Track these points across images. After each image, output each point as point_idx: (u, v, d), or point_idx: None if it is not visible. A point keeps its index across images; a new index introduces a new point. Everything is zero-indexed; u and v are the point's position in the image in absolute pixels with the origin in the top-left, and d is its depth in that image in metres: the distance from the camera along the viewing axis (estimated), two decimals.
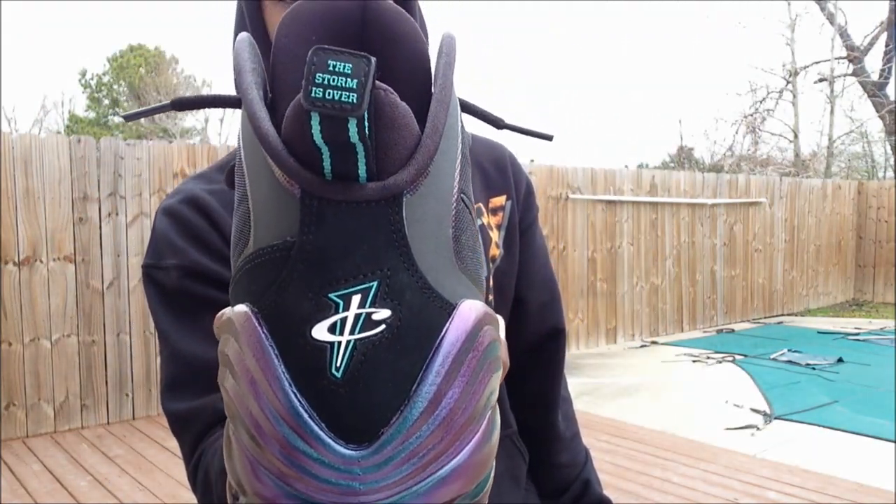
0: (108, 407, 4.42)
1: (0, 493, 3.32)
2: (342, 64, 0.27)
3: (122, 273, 4.45)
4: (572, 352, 6.40)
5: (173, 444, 3.64)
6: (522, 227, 0.89)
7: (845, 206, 9.55)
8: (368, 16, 0.32)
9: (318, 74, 0.26)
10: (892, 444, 3.85)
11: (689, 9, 35.42)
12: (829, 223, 9.32)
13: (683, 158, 17.68)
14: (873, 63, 14.53)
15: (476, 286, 0.34)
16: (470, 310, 0.31)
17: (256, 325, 0.29)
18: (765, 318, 8.43)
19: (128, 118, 0.43)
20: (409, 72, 0.32)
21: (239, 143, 0.33)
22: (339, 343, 0.28)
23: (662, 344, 6.85)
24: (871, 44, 14.31)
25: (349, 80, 0.26)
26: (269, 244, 0.30)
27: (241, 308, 0.30)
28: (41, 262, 4.18)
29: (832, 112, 14.69)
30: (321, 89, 0.26)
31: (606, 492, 0.96)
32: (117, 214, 4.43)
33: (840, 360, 5.88)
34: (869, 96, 14.27)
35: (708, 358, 6.12)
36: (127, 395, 4.48)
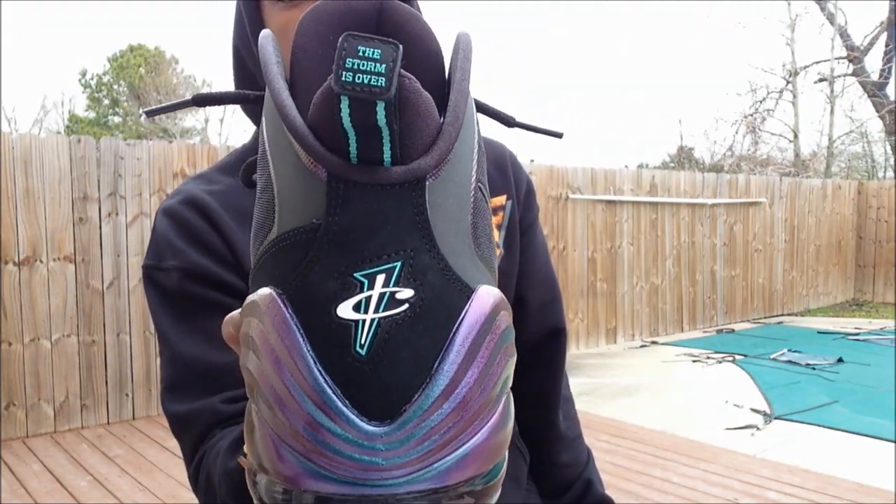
0: (108, 407, 4.42)
1: (0, 493, 3.32)
2: (371, 49, 0.28)
3: (122, 273, 4.45)
4: (572, 352, 6.40)
5: (173, 444, 3.64)
6: (523, 226, 0.89)
7: (845, 206, 9.55)
8: (384, 16, 0.33)
9: (348, 59, 0.27)
10: (892, 444, 3.85)
11: (689, 9, 35.43)
12: (829, 223, 9.32)
13: (683, 158, 17.68)
14: (873, 63, 14.54)
15: (490, 274, 0.34)
16: (488, 294, 0.31)
17: (281, 304, 0.30)
18: (765, 318, 8.43)
19: (150, 114, 0.44)
20: (424, 71, 0.33)
21: (262, 135, 0.34)
22: (364, 321, 0.29)
23: (662, 344, 6.85)
24: (871, 44, 14.31)
25: (378, 64, 0.27)
26: (295, 227, 0.30)
27: (265, 290, 0.31)
28: (41, 262, 4.18)
29: (832, 112, 14.70)
30: (351, 73, 0.27)
31: (606, 492, 0.96)
32: (117, 214, 4.43)
33: (840, 360, 5.88)
34: (869, 96, 14.28)
35: (708, 358, 6.13)
36: (127, 395, 4.48)
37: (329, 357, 0.29)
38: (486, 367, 0.30)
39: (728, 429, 4.22)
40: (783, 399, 4.77)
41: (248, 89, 0.80)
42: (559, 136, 0.49)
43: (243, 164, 0.41)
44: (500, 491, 0.34)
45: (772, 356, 6.11)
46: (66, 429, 4.25)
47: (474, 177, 0.33)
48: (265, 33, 0.34)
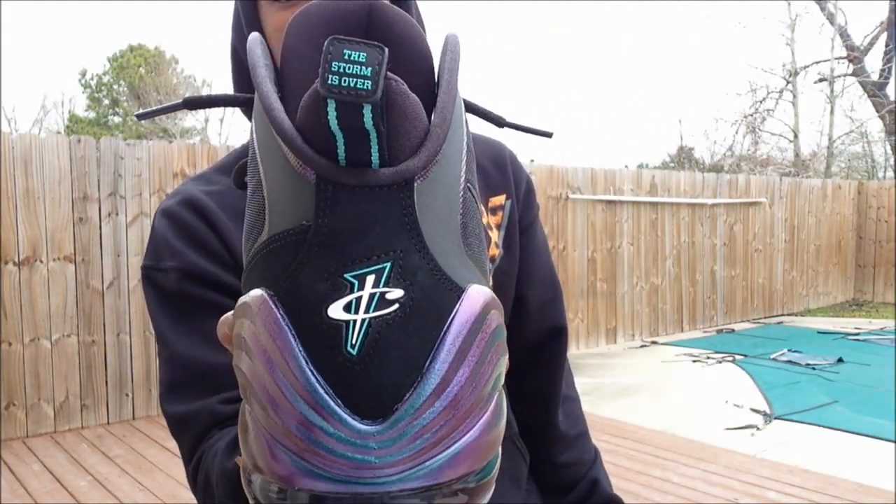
0: (108, 407, 4.42)
1: (0, 493, 3.32)
2: (357, 53, 0.28)
3: (122, 273, 4.45)
4: (572, 352, 6.40)
5: (173, 444, 3.63)
6: (522, 225, 0.89)
7: (845, 206, 9.55)
8: (373, 17, 0.33)
9: (334, 63, 0.28)
10: (892, 444, 3.85)
11: (689, 9, 35.43)
12: (829, 223, 9.33)
13: (683, 158, 17.68)
14: (873, 63, 14.55)
15: (481, 273, 0.35)
16: (478, 293, 0.31)
17: (273, 306, 0.30)
18: (765, 318, 8.43)
19: (141, 117, 0.44)
20: (413, 72, 0.33)
21: (252, 138, 0.34)
22: (355, 321, 0.29)
23: (662, 344, 6.85)
24: (871, 44, 14.31)
25: (364, 67, 0.28)
26: (285, 229, 0.31)
27: (257, 291, 0.31)
28: (41, 262, 4.18)
29: (832, 112, 14.70)
30: (337, 77, 0.27)
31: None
32: (117, 214, 4.43)
33: (840, 360, 5.88)
34: (869, 96, 14.28)
35: (708, 358, 6.12)
36: (127, 395, 4.48)
37: (321, 357, 0.29)
38: (478, 365, 0.31)
39: (728, 429, 4.22)
40: (783, 399, 4.77)
41: (247, 90, 0.80)
42: (549, 135, 0.49)
43: (236, 167, 0.41)
44: (493, 488, 0.34)
45: (772, 356, 6.11)
46: (66, 429, 4.25)
47: (463, 177, 0.33)
48: (254, 36, 0.34)
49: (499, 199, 0.86)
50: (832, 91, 14.72)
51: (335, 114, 0.28)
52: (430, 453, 0.30)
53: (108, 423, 4.39)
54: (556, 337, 0.92)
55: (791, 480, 3.41)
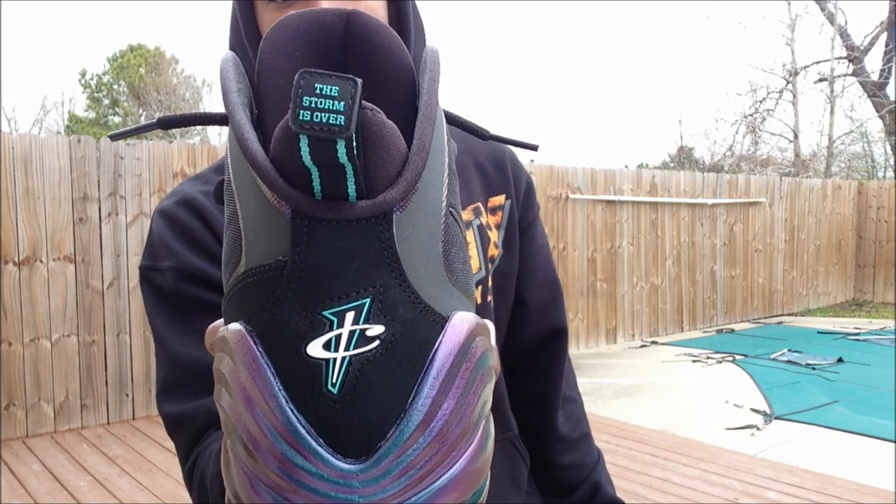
0: (108, 407, 4.42)
1: (0, 493, 3.32)
2: (329, 87, 0.27)
3: (122, 273, 4.45)
4: (572, 352, 6.40)
5: (173, 444, 3.64)
6: (522, 225, 0.88)
7: (845, 206, 9.55)
8: (351, 29, 0.33)
9: (305, 98, 0.27)
10: (892, 444, 3.85)
11: (689, 9, 35.42)
12: (829, 223, 9.32)
13: (683, 158, 17.68)
14: (873, 63, 14.55)
15: (467, 298, 0.34)
16: (462, 321, 0.31)
17: (251, 342, 0.29)
18: (765, 318, 8.43)
19: (114, 138, 0.43)
20: (393, 84, 0.32)
21: (227, 163, 0.33)
22: (335, 360, 0.28)
23: (662, 344, 6.85)
24: (871, 44, 14.31)
25: (336, 102, 0.27)
26: (261, 263, 0.30)
27: (236, 326, 0.30)
28: (41, 262, 4.18)
29: (832, 112, 14.69)
30: (309, 112, 0.27)
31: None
32: (117, 214, 4.43)
33: (840, 360, 5.88)
34: (869, 96, 14.28)
35: (708, 358, 6.12)
36: (127, 395, 4.48)
37: (301, 396, 0.29)
38: (463, 396, 0.30)
39: (728, 429, 4.22)
40: (783, 399, 4.77)
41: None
42: (534, 148, 0.49)
43: (216, 183, 0.40)
44: None
45: (772, 356, 6.11)
46: (66, 429, 4.25)
47: (445, 202, 0.32)
48: (226, 56, 0.34)
49: (498, 200, 0.86)
50: (832, 91, 14.72)
51: (308, 150, 0.27)
52: (416, 489, 0.30)
53: (108, 423, 4.39)
54: (557, 338, 0.92)
55: (791, 480, 3.41)
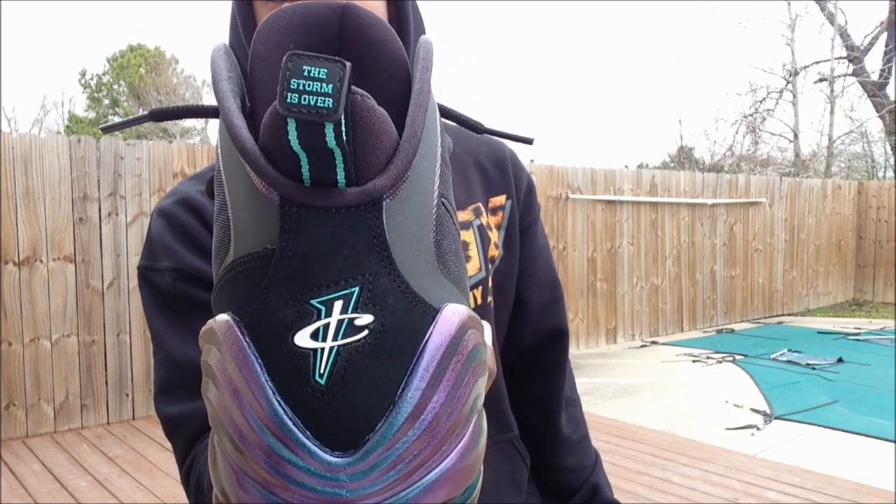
0: (108, 407, 4.42)
1: (0, 493, 3.32)
2: (317, 69, 0.27)
3: (122, 273, 4.45)
4: (572, 352, 6.39)
5: None
6: (523, 226, 0.88)
7: (845, 206, 9.55)
8: (345, 21, 0.32)
9: (293, 80, 0.26)
10: (892, 444, 3.85)
11: (689, 9, 35.42)
12: (829, 223, 9.32)
13: (683, 158, 17.68)
14: (873, 63, 14.55)
15: (460, 291, 0.33)
16: (453, 314, 0.31)
17: (238, 333, 0.29)
18: (765, 318, 8.43)
19: (106, 130, 0.43)
20: (388, 76, 0.32)
21: (217, 153, 0.33)
22: (322, 350, 0.28)
23: (662, 344, 6.85)
24: (871, 44, 14.31)
25: (324, 84, 0.26)
26: (249, 252, 0.29)
27: (223, 317, 0.30)
28: (41, 262, 4.18)
29: (832, 112, 14.69)
30: (297, 95, 0.26)
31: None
32: (117, 214, 4.43)
33: (840, 360, 5.88)
34: (869, 96, 14.28)
35: (708, 358, 6.12)
36: (127, 395, 4.48)
37: (288, 387, 0.28)
38: (454, 388, 0.30)
39: (728, 429, 4.22)
40: (783, 399, 4.77)
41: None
42: (529, 141, 0.48)
43: (208, 179, 0.40)
44: None
45: (772, 356, 6.11)
46: (66, 429, 4.25)
47: (436, 192, 0.32)
48: (217, 46, 0.33)
49: (499, 200, 0.85)
50: (832, 91, 14.72)
51: (296, 134, 0.27)
52: (405, 483, 0.29)
53: (108, 423, 4.39)
54: (558, 339, 0.91)
55: (791, 480, 3.41)
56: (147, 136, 15.66)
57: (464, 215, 0.81)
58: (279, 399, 0.28)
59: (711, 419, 4.41)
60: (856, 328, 7.63)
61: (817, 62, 15.02)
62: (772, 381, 5.27)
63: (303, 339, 0.28)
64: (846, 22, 14.54)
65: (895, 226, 9.37)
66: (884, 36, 13.97)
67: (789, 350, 6.33)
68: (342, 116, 0.27)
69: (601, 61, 41.19)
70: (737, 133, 16.48)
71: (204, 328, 0.32)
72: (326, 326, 0.28)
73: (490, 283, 0.82)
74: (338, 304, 0.28)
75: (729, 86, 30.16)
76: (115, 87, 23.54)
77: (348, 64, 0.27)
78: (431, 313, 0.30)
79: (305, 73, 0.26)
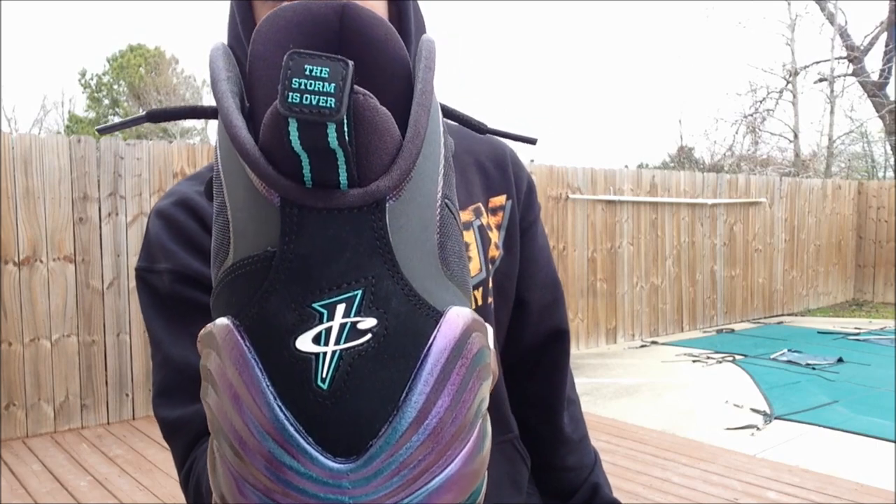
0: (108, 407, 4.42)
1: (0, 493, 3.32)
2: (319, 68, 0.26)
3: (122, 273, 4.45)
4: (572, 352, 6.37)
5: None
6: (523, 226, 0.88)
7: (845, 206, 9.55)
8: (345, 21, 0.32)
9: (294, 79, 0.26)
10: (892, 444, 3.85)
11: (689, 9, 35.41)
12: (829, 223, 9.32)
13: (683, 158, 17.67)
14: (873, 63, 14.55)
15: (464, 293, 0.33)
16: (458, 316, 0.30)
17: (238, 337, 0.29)
18: (765, 318, 8.43)
19: (102, 131, 0.42)
20: (389, 76, 0.31)
21: (216, 154, 0.32)
22: (325, 354, 0.28)
23: (662, 344, 6.85)
24: (871, 44, 14.31)
25: (327, 84, 0.26)
26: (250, 255, 0.29)
27: (223, 321, 0.29)
28: (41, 262, 4.18)
29: (832, 112, 14.69)
30: (298, 94, 0.26)
31: None
32: (117, 214, 4.43)
33: (840, 360, 5.88)
34: (869, 96, 14.28)
35: (708, 358, 6.12)
36: (127, 395, 4.48)
37: (289, 392, 0.28)
38: (458, 393, 0.29)
39: (728, 429, 4.22)
40: (783, 399, 4.76)
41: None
42: (533, 142, 0.48)
43: (207, 180, 0.39)
44: None
45: (772, 356, 6.11)
46: (66, 429, 4.25)
47: (440, 193, 0.31)
48: (215, 46, 0.33)
49: (499, 200, 0.85)
50: (832, 91, 14.72)
51: (297, 134, 0.26)
52: (409, 490, 0.28)
53: (108, 423, 4.39)
54: (558, 340, 0.91)
55: (791, 480, 3.41)
56: (147, 136, 15.65)
57: (464, 215, 0.81)
58: (280, 404, 0.28)
59: (711, 419, 4.41)
60: (856, 328, 7.63)
61: (817, 62, 15.03)
62: (772, 381, 5.27)
63: (304, 343, 0.28)
64: (846, 22, 14.55)
65: (895, 226, 9.37)
66: (884, 36, 13.97)
67: (789, 350, 6.33)
68: (345, 116, 0.26)
69: (601, 61, 41.18)
70: (737, 133, 16.49)
71: (203, 332, 0.31)
72: (329, 330, 0.28)
73: (490, 284, 0.82)
74: (340, 308, 0.28)
75: (729, 86, 30.18)
76: (115, 87, 23.53)
77: (351, 62, 0.26)
78: (435, 316, 0.30)
79: (307, 72, 0.26)
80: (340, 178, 0.28)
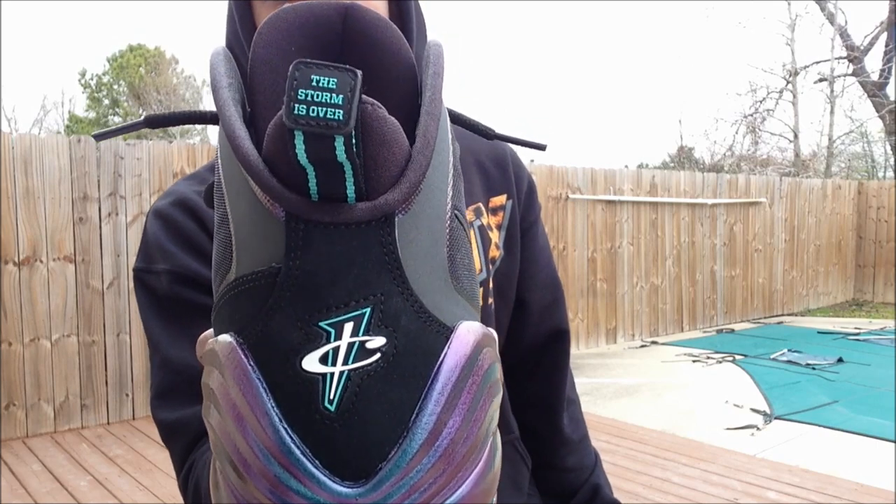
0: (108, 407, 4.42)
1: (0, 493, 3.32)
2: (326, 79, 0.25)
3: (122, 273, 4.45)
4: (572, 352, 6.38)
5: None
6: (524, 226, 0.87)
7: (845, 206, 9.55)
8: (349, 22, 0.31)
9: (300, 90, 0.25)
10: (892, 444, 3.85)
11: (689, 9, 35.41)
12: (829, 223, 9.32)
13: (683, 158, 17.67)
14: (873, 63, 14.55)
15: (473, 306, 0.32)
16: (468, 332, 0.29)
17: (242, 356, 0.28)
18: (765, 318, 8.43)
19: (98, 137, 0.41)
20: (394, 80, 0.31)
21: (217, 163, 0.31)
22: (332, 374, 0.27)
23: (662, 344, 6.85)
24: (871, 44, 14.31)
25: (334, 95, 0.25)
26: (253, 270, 0.28)
27: (226, 338, 0.28)
28: (41, 262, 4.17)
29: (832, 112, 14.69)
30: (305, 106, 0.25)
31: None
32: (117, 214, 4.43)
33: (840, 360, 5.88)
34: (869, 96, 14.28)
35: (708, 358, 6.12)
36: (127, 395, 4.48)
37: (295, 414, 0.27)
38: (470, 411, 0.28)
39: (728, 429, 4.21)
40: (783, 399, 4.76)
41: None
42: (542, 147, 0.47)
43: (206, 186, 0.38)
44: None
45: (772, 356, 6.11)
46: (66, 429, 4.25)
47: (450, 205, 0.30)
48: (216, 50, 0.32)
49: (500, 200, 0.85)
50: (832, 91, 14.72)
51: (304, 147, 0.25)
52: None
53: (108, 423, 4.39)
54: (559, 340, 0.91)
55: (791, 480, 3.41)
56: (147, 136, 15.64)
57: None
58: (286, 426, 0.27)
59: (711, 419, 4.41)
60: (856, 328, 7.63)
61: (817, 62, 15.03)
62: (772, 381, 5.27)
63: (311, 363, 0.27)
64: (846, 22, 14.54)
65: (895, 226, 9.36)
66: (884, 36, 13.97)
67: (789, 350, 6.33)
68: (353, 129, 0.25)
69: (601, 61, 41.18)
70: (737, 133, 16.49)
71: (205, 349, 0.30)
72: (336, 350, 0.27)
73: (491, 285, 0.82)
74: (348, 327, 0.27)
75: (729, 86, 30.18)
76: (115, 87, 23.52)
77: (359, 73, 0.26)
78: (446, 333, 0.29)
79: (314, 83, 0.25)
80: (348, 192, 0.27)
